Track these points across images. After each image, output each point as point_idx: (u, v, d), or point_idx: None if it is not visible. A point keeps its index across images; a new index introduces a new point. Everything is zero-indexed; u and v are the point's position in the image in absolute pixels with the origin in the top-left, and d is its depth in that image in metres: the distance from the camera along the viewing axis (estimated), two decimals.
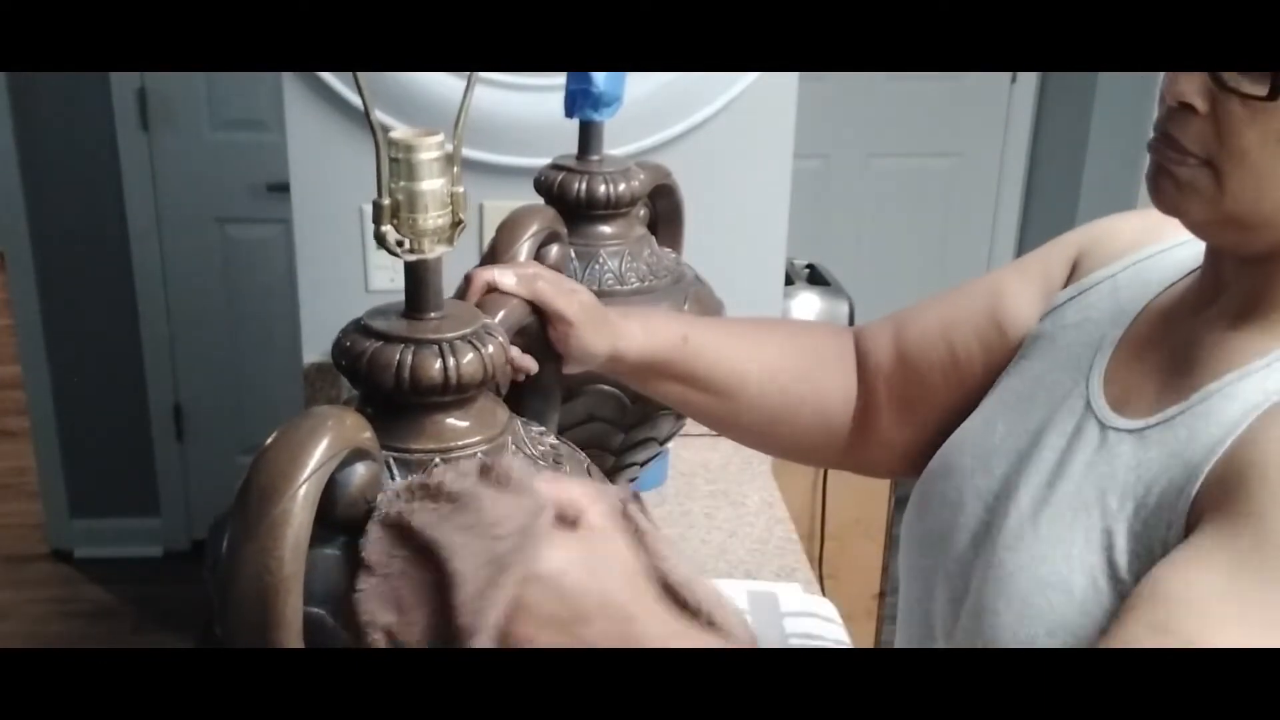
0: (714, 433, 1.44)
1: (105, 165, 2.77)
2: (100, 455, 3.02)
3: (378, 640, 0.55)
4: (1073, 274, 0.87)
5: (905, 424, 0.95)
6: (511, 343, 0.82)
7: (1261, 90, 0.63)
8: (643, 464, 1.24)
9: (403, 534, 0.56)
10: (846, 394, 0.97)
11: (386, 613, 0.55)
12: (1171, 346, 0.76)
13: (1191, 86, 0.66)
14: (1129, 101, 2.97)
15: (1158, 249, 0.83)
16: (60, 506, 3.07)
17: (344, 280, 1.62)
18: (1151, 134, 0.71)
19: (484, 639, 0.53)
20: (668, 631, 0.59)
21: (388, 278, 1.61)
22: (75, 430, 2.98)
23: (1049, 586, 0.71)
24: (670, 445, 1.38)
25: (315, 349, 1.65)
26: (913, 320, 0.95)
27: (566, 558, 0.56)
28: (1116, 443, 0.74)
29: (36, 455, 3.02)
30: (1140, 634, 0.62)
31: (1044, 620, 0.71)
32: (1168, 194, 0.70)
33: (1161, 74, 0.69)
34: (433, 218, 0.62)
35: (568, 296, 0.84)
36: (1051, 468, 0.76)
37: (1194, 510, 0.66)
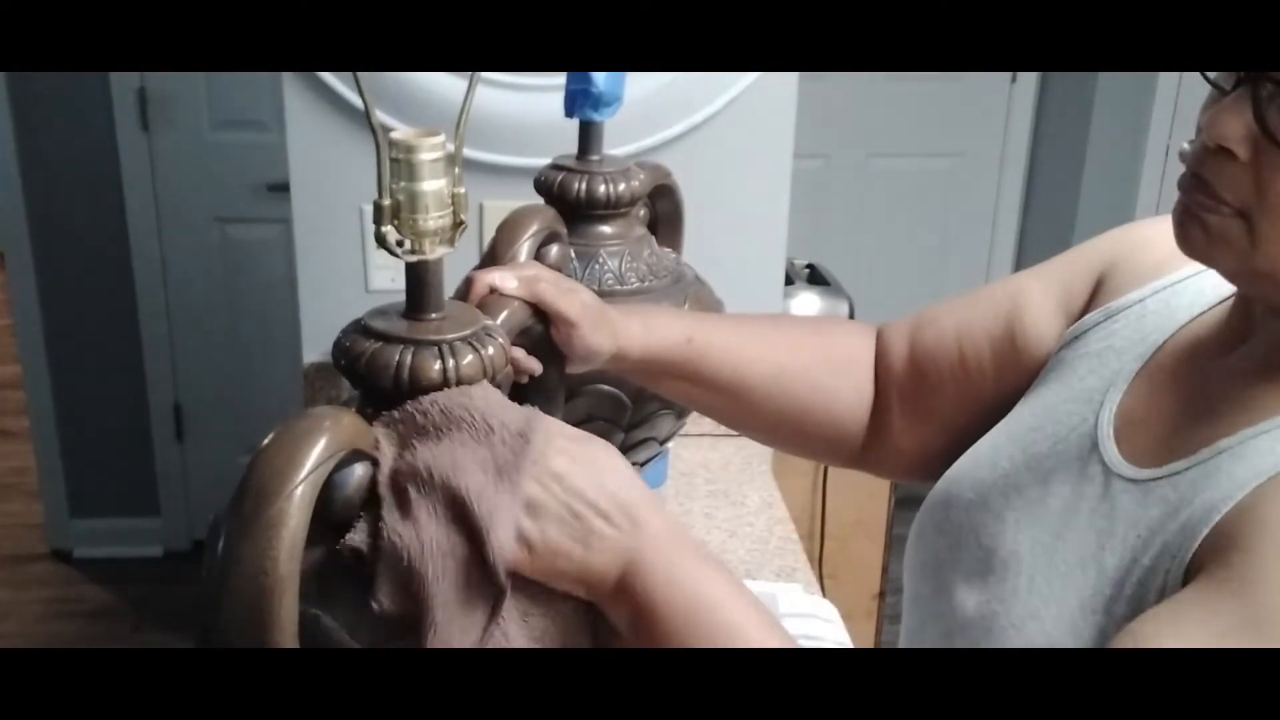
0: (715, 433, 1.43)
1: (105, 165, 2.78)
2: (100, 455, 3.02)
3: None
4: (1097, 290, 0.84)
5: (915, 429, 0.94)
6: (514, 344, 0.82)
7: None
8: (643, 464, 1.24)
9: (412, 480, 0.57)
10: (859, 397, 0.96)
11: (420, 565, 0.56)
12: (1189, 390, 0.73)
13: (1235, 131, 0.62)
14: (1129, 101, 2.97)
15: (1189, 273, 0.79)
16: (60, 506, 3.07)
17: (344, 280, 1.62)
18: (1182, 168, 0.67)
19: (505, 537, 0.57)
20: (673, 536, 0.61)
21: (388, 278, 1.61)
22: (75, 430, 2.98)
23: (1035, 645, 0.70)
24: (670, 445, 1.38)
25: (315, 349, 1.65)
26: (930, 323, 0.93)
27: (570, 460, 0.59)
28: (1120, 493, 0.71)
29: (36, 455, 3.02)
30: None
31: None
32: (1196, 242, 0.66)
33: (1200, 110, 0.66)
34: (433, 218, 0.62)
35: (569, 297, 0.83)
36: (1056, 517, 0.74)
37: (1188, 574, 0.63)
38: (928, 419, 0.93)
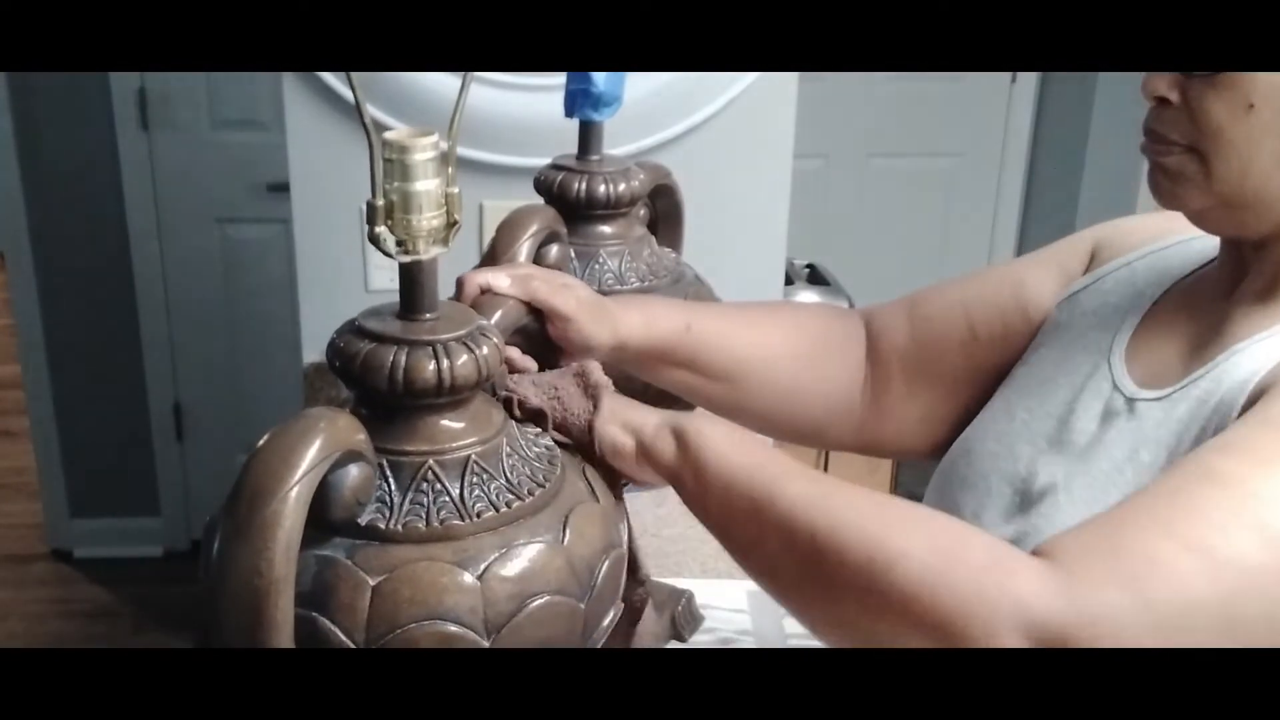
0: None
1: (105, 165, 2.77)
2: (100, 455, 3.02)
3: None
4: (1090, 265, 0.89)
5: (917, 401, 0.96)
6: (510, 343, 0.82)
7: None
8: None
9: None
10: (852, 376, 0.98)
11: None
12: (1196, 324, 0.77)
13: (1162, 82, 0.71)
14: (1129, 101, 2.97)
15: (1175, 240, 0.85)
16: (60, 506, 3.07)
17: (343, 280, 1.62)
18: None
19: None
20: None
21: (388, 278, 1.61)
22: (75, 430, 2.98)
23: None
24: None
25: (315, 349, 1.65)
26: (929, 299, 0.97)
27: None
28: (1145, 411, 0.75)
29: (36, 455, 3.02)
30: (1187, 477, 0.63)
31: None
32: (1163, 187, 0.74)
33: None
34: (427, 219, 0.62)
35: (563, 293, 0.84)
36: (1083, 447, 0.77)
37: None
38: (931, 388, 0.95)
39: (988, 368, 0.92)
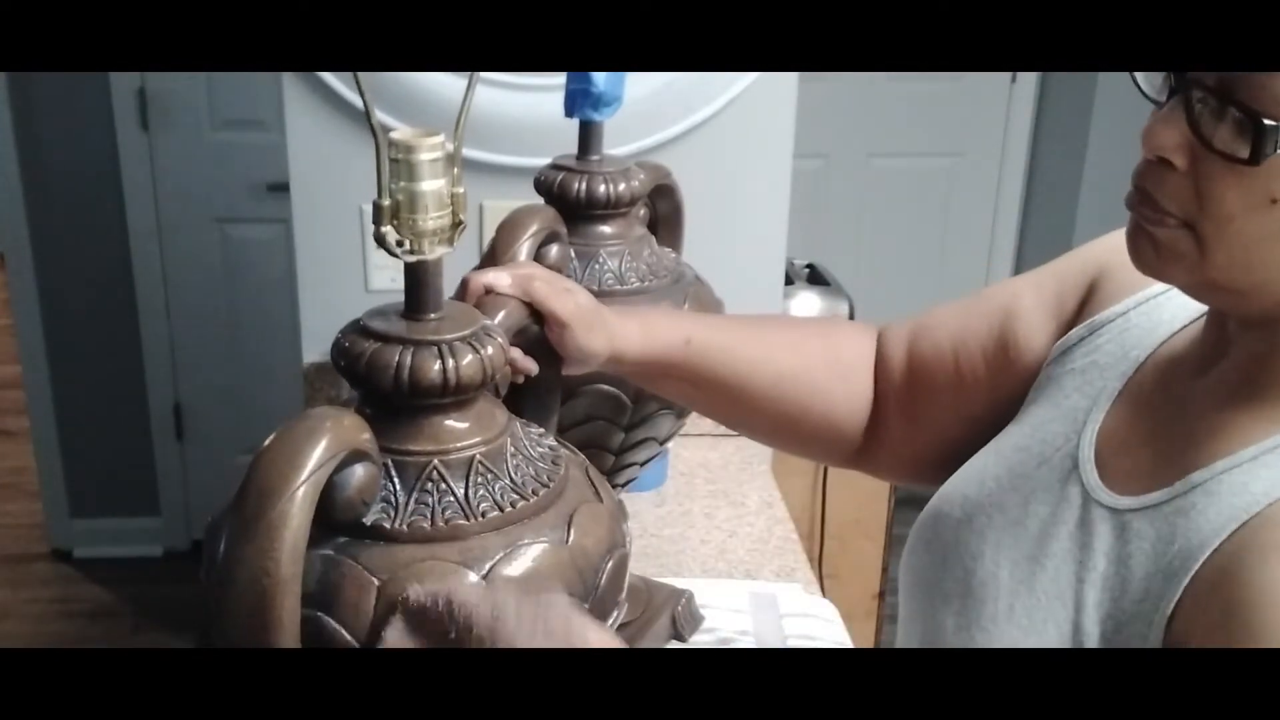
0: (715, 433, 1.42)
1: (105, 165, 2.78)
2: (100, 455, 3.02)
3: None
4: (1088, 298, 0.83)
5: (911, 435, 0.94)
6: (511, 344, 0.82)
7: (1244, 151, 0.59)
8: (643, 464, 1.23)
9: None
10: (859, 400, 0.95)
11: None
12: (1166, 412, 0.72)
13: (1170, 140, 0.61)
14: (1129, 101, 2.97)
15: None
16: (60, 506, 3.07)
17: (344, 280, 1.62)
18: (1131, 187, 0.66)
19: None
20: None
21: (388, 277, 1.61)
22: (75, 430, 2.98)
23: None
24: (670, 445, 1.37)
25: (315, 349, 1.65)
26: (927, 330, 0.93)
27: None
28: (1098, 520, 0.70)
29: (36, 455, 3.02)
30: None
31: None
32: (1146, 257, 0.66)
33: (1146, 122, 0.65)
34: (433, 218, 0.62)
35: (562, 298, 0.83)
36: (1035, 540, 0.73)
37: (1173, 622, 0.63)
38: (923, 426, 0.93)
39: (972, 407, 0.88)
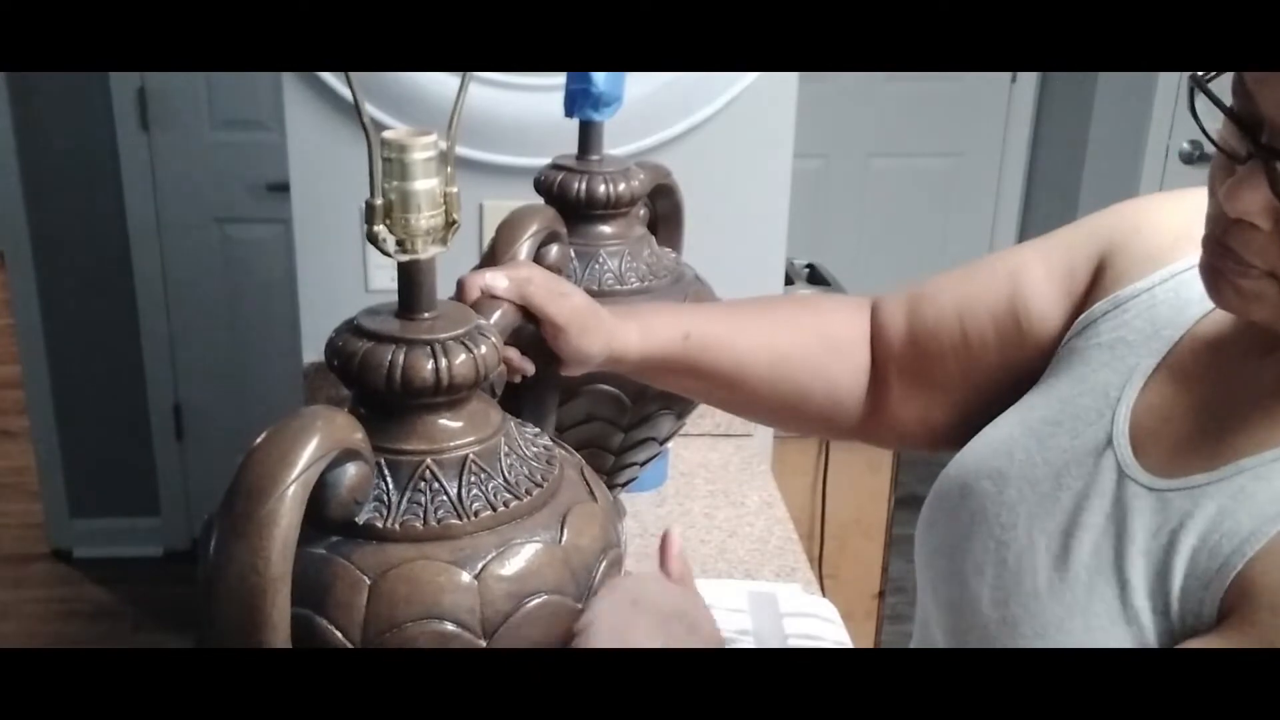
0: (715, 433, 1.42)
1: (105, 165, 2.77)
2: (100, 455, 3.02)
3: None
4: (1100, 273, 0.83)
5: (915, 401, 0.94)
6: (509, 344, 0.82)
7: None
8: (643, 464, 1.24)
9: None
10: (857, 373, 0.96)
11: None
12: (1212, 393, 0.72)
13: (1256, 205, 0.62)
14: (1129, 101, 2.97)
15: (1195, 261, 0.74)
16: (60, 506, 3.07)
17: (344, 280, 1.62)
18: (1206, 229, 0.67)
19: None
20: None
21: (388, 277, 1.61)
22: (75, 430, 2.98)
23: None
24: (670, 445, 1.37)
25: (315, 349, 1.65)
26: (929, 298, 0.93)
27: None
28: (1134, 497, 0.70)
29: (36, 455, 3.02)
30: None
31: None
32: (1230, 301, 0.67)
33: (1211, 179, 0.65)
34: (426, 218, 0.62)
35: (558, 301, 0.83)
36: (1069, 513, 0.73)
37: (1225, 602, 0.63)
38: (928, 391, 0.93)
39: (982, 373, 0.89)
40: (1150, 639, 0.66)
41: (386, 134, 0.61)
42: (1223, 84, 0.64)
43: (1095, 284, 0.83)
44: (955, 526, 0.82)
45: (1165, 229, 0.80)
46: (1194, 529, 0.66)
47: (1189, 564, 0.65)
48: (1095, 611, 0.68)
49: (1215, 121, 0.66)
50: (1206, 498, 0.66)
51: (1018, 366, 0.87)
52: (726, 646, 0.70)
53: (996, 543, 0.77)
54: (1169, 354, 0.76)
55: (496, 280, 0.81)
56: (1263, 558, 0.62)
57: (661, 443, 1.21)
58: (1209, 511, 0.66)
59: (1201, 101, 0.65)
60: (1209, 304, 0.73)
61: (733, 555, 1.39)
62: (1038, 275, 0.86)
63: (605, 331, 0.86)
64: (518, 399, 0.86)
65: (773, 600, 1.26)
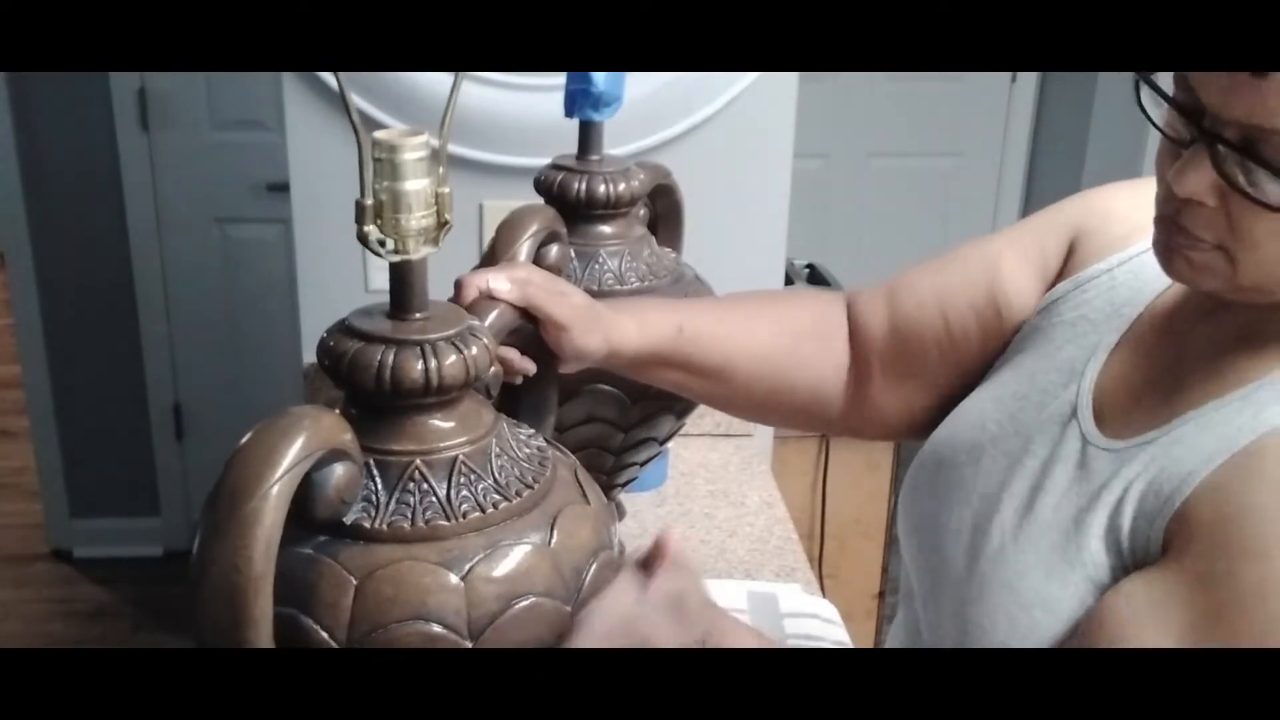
0: (715, 433, 1.41)
1: (105, 165, 2.77)
2: (100, 455, 3.02)
3: None
4: (1069, 257, 0.87)
5: (897, 392, 0.96)
6: (507, 344, 0.82)
7: (1272, 199, 0.63)
8: (643, 464, 1.24)
9: None
10: (838, 365, 0.99)
11: None
12: (1166, 359, 0.76)
13: (1202, 185, 0.66)
14: (1129, 101, 2.97)
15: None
16: (60, 506, 3.07)
17: (343, 280, 1.62)
18: (1157, 210, 0.71)
19: None
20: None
21: (388, 277, 1.61)
22: (75, 430, 2.98)
23: (1032, 604, 0.72)
24: (670, 445, 1.37)
25: (315, 349, 1.65)
26: (907, 290, 0.96)
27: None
28: (1094, 459, 0.74)
29: (36, 455, 3.02)
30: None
31: (1031, 637, 0.71)
32: (1182, 272, 0.71)
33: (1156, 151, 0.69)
34: (417, 218, 0.62)
35: (559, 300, 0.83)
36: (1034, 477, 0.77)
37: (1168, 536, 0.68)
38: (911, 381, 0.95)
39: (964, 362, 0.92)
40: (1105, 579, 0.70)
41: (377, 134, 0.61)
42: (1165, 75, 0.68)
43: (1064, 267, 0.88)
44: (935, 499, 0.85)
45: (1129, 217, 0.84)
46: (1144, 477, 0.70)
47: (1137, 507, 0.70)
48: (1053, 561, 0.72)
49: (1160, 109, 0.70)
50: (1157, 448, 0.71)
51: (996, 353, 0.90)
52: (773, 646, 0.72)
53: (972, 510, 0.81)
54: (1129, 330, 0.80)
55: (499, 283, 0.82)
56: (1200, 493, 0.67)
57: (661, 443, 1.21)
58: (1157, 459, 0.70)
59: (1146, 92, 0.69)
60: (1166, 281, 0.79)
61: (733, 555, 1.39)
62: (1012, 263, 0.90)
63: (605, 328, 0.87)
64: (517, 399, 0.86)
65: (773, 600, 1.26)
